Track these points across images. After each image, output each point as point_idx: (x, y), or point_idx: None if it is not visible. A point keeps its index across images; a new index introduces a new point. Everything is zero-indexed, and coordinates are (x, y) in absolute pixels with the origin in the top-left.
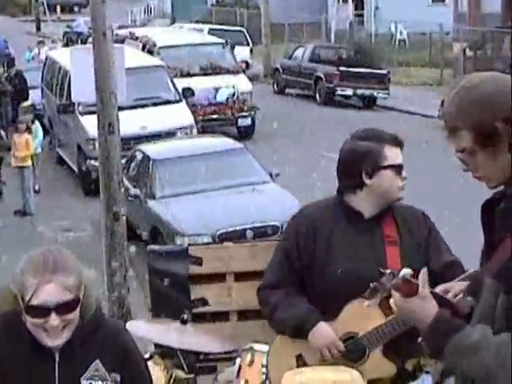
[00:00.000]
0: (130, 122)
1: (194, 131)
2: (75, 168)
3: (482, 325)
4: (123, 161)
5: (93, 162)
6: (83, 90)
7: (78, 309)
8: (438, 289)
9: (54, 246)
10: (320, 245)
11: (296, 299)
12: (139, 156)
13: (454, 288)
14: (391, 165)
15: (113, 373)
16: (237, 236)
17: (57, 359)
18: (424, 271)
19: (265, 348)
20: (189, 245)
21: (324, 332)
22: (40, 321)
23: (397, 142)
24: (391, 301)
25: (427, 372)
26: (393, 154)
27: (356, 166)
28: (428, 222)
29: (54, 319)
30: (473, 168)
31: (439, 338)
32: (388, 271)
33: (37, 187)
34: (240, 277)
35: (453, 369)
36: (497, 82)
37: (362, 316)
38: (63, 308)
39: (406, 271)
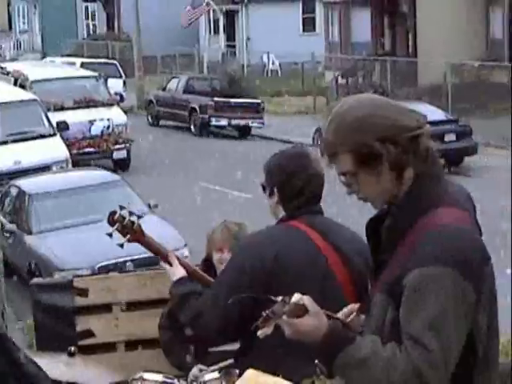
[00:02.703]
0: (3, 157)
1: (70, 165)
2: None
3: (372, 336)
4: None
5: None
6: None
7: None
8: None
9: None
10: None
11: None
12: (14, 191)
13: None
14: None
15: None
16: (117, 268)
17: None
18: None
19: (156, 377)
20: (74, 276)
21: None
22: None
23: None
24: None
25: None
26: None
27: None
28: None
29: None
30: (356, 190)
31: (332, 351)
32: (279, 298)
33: None
34: (127, 307)
35: (345, 381)
36: (370, 103)
37: None
38: None
39: (297, 296)
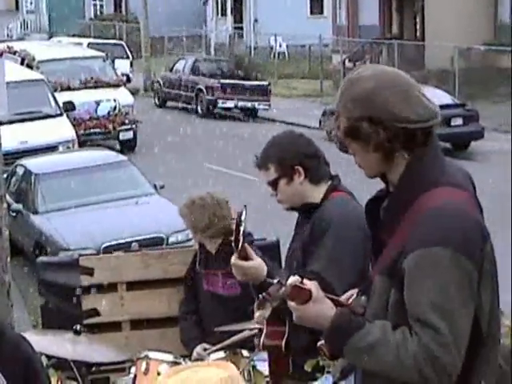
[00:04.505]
0: (9, 137)
1: (76, 145)
2: None
3: (383, 321)
4: (4, 176)
5: None
6: None
7: None
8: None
9: None
10: None
11: None
12: (20, 171)
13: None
14: None
15: None
16: (122, 249)
17: None
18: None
19: (160, 356)
20: (79, 255)
21: None
22: None
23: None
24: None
25: (328, 372)
26: None
27: None
28: None
29: None
30: (352, 154)
31: (340, 338)
32: (275, 280)
33: None
34: (132, 286)
35: (356, 365)
36: (379, 78)
37: None
38: None
39: (294, 278)
